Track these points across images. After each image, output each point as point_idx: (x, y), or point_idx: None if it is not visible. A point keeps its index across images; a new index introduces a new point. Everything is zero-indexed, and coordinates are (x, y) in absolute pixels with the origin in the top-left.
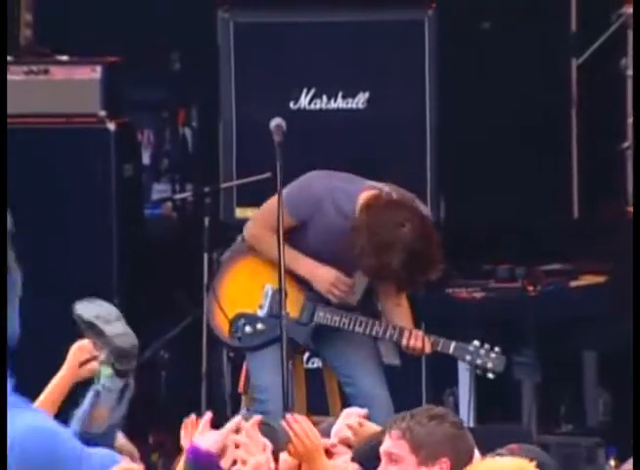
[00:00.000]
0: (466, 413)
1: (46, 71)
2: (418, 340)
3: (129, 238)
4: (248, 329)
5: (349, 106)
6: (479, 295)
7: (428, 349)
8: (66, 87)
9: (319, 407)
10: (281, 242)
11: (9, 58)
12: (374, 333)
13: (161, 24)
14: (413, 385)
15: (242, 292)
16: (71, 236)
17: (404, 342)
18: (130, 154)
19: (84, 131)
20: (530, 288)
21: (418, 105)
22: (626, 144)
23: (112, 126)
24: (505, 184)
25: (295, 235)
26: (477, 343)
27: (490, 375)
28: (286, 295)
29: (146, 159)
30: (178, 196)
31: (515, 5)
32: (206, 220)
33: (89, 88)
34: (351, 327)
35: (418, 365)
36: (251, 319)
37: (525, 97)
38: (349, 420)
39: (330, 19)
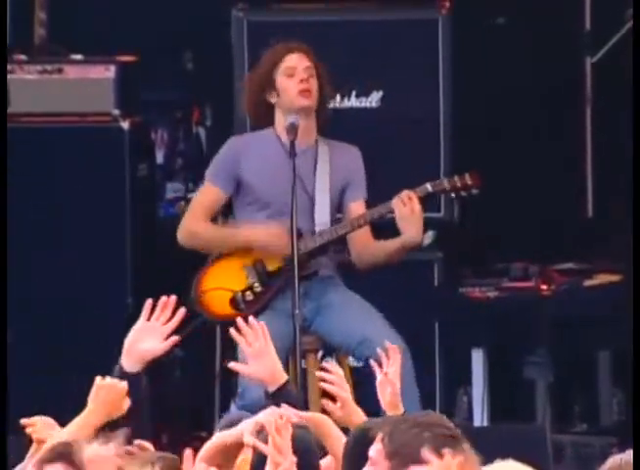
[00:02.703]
0: (479, 412)
1: (60, 71)
2: (410, 200)
3: (143, 237)
4: (248, 294)
5: (363, 104)
6: (492, 294)
7: (416, 200)
8: (80, 86)
9: None
10: (294, 240)
11: (23, 57)
12: (362, 222)
13: (175, 24)
14: (426, 384)
15: (226, 281)
16: (85, 236)
17: (400, 212)
18: (144, 153)
19: (98, 130)
20: (544, 287)
21: (432, 103)
22: None
23: (125, 126)
24: (519, 183)
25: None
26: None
27: (475, 191)
28: (263, 262)
29: (160, 158)
30: (192, 195)
31: (528, 4)
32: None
33: (103, 87)
34: (335, 235)
35: (431, 364)
36: (248, 287)
37: (538, 95)
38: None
39: (343, 18)
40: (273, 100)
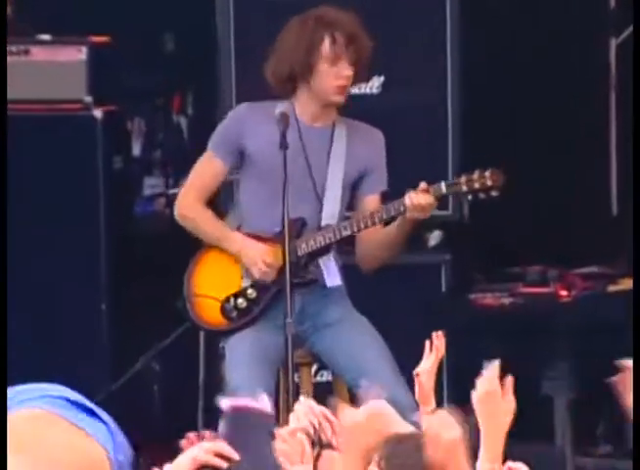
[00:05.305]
0: None
1: (26, 52)
2: (421, 196)
3: (119, 237)
4: (241, 301)
5: (362, 91)
6: (506, 301)
7: (431, 198)
8: (48, 70)
9: None
10: (286, 238)
11: None
12: (371, 222)
13: (154, 1)
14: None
15: (218, 278)
16: (55, 235)
17: (409, 202)
18: (119, 144)
19: (68, 119)
20: (564, 293)
21: (439, 89)
22: None
23: (98, 114)
24: (535, 178)
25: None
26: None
27: (494, 193)
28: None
29: (136, 150)
30: (172, 191)
31: None
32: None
33: (74, 71)
34: (338, 235)
35: (439, 378)
36: (240, 292)
37: (557, 80)
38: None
39: None
40: (305, 79)
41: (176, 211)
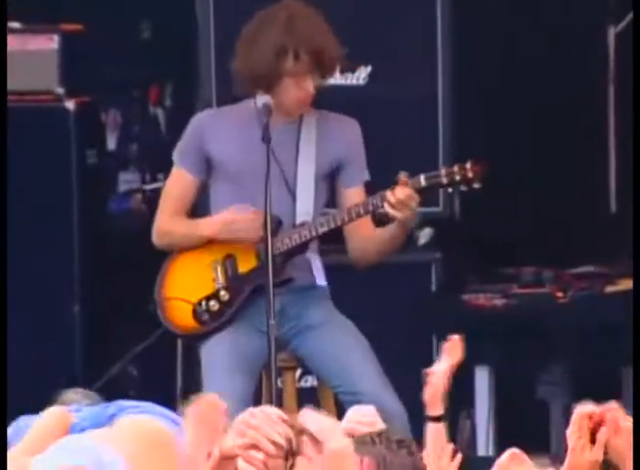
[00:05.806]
0: (484, 440)
1: None
2: (400, 190)
3: (92, 235)
4: (213, 304)
5: (348, 82)
6: (499, 302)
7: (410, 191)
8: (17, 60)
9: None
10: (269, 242)
11: None
12: (348, 217)
13: None
14: (422, 406)
15: (190, 281)
16: (25, 233)
17: (392, 199)
18: (93, 138)
19: (39, 111)
20: (560, 294)
21: (428, 80)
22: None
23: (71, 105)
24: (531, 175)
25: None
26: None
27: (476, 185)
28: (235, 259)
29: (111, 144)
30: (149, 186)
31: None
32: None
33: (45, 61)
34: (314, 232)
35: None
36: (213, 295)
37: (554, 71)
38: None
39: None
40: (267, 90)
41: (153, 235)
